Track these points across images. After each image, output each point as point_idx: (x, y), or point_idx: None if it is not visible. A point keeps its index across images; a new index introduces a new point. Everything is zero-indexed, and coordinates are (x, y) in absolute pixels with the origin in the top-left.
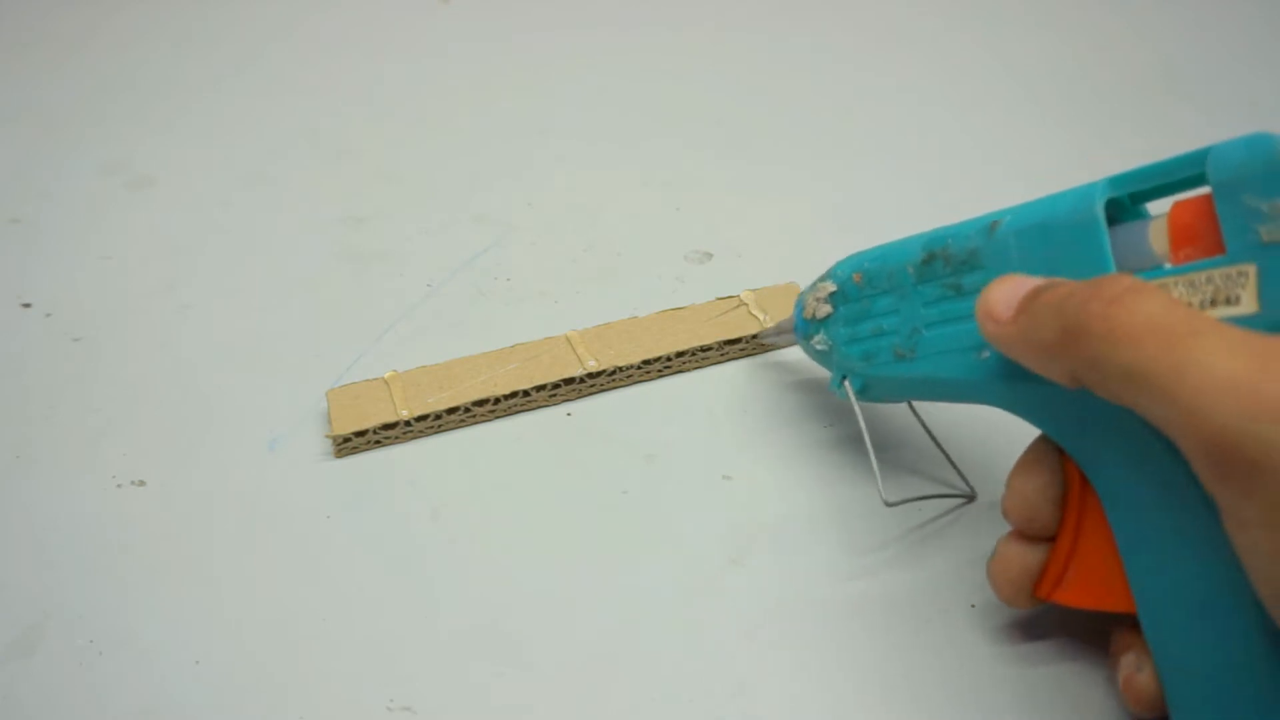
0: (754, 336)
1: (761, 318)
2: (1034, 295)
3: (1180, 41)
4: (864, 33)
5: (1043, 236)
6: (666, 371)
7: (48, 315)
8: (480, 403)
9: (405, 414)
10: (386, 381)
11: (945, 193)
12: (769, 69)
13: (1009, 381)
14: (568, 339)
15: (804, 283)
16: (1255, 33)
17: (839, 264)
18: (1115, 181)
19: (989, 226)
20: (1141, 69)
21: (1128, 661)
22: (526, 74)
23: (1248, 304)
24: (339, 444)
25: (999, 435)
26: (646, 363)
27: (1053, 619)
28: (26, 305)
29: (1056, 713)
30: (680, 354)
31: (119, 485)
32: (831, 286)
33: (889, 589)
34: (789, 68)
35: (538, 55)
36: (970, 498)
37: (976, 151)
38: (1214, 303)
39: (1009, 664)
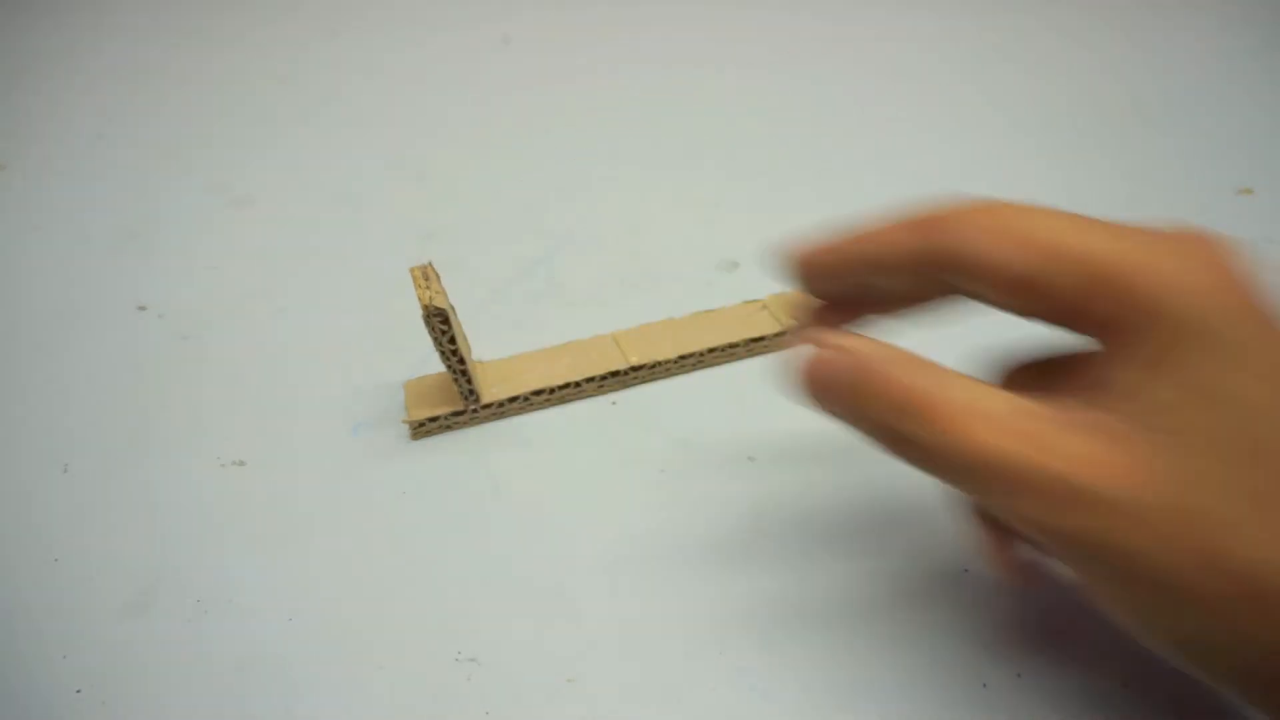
0: (776, 335)
1: (781, 319)
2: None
3: (1146, 75)
4: (869, 71)
5: None
6: (699, 366)
7: (160, 317)
8: (537, 392)
9: (472, 402)
10: None
11: None
12: (788, 103)
13: None
14: (613, 337)
15: None
16: (1216, 70)
17: None
18: None
19: None
20: (1112, 99)
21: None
22: (577, 106)
23: None
24: (414, 428)
25: None
26: (681, 358)
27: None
28: (142, 308)
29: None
30: (711, 350)
31: (221, 465)
32: None
33: (892, 556)
34: (805, 101)
35: (587, 90)
36: None
37: (968, 172)
38: None
39: (1001, 618)
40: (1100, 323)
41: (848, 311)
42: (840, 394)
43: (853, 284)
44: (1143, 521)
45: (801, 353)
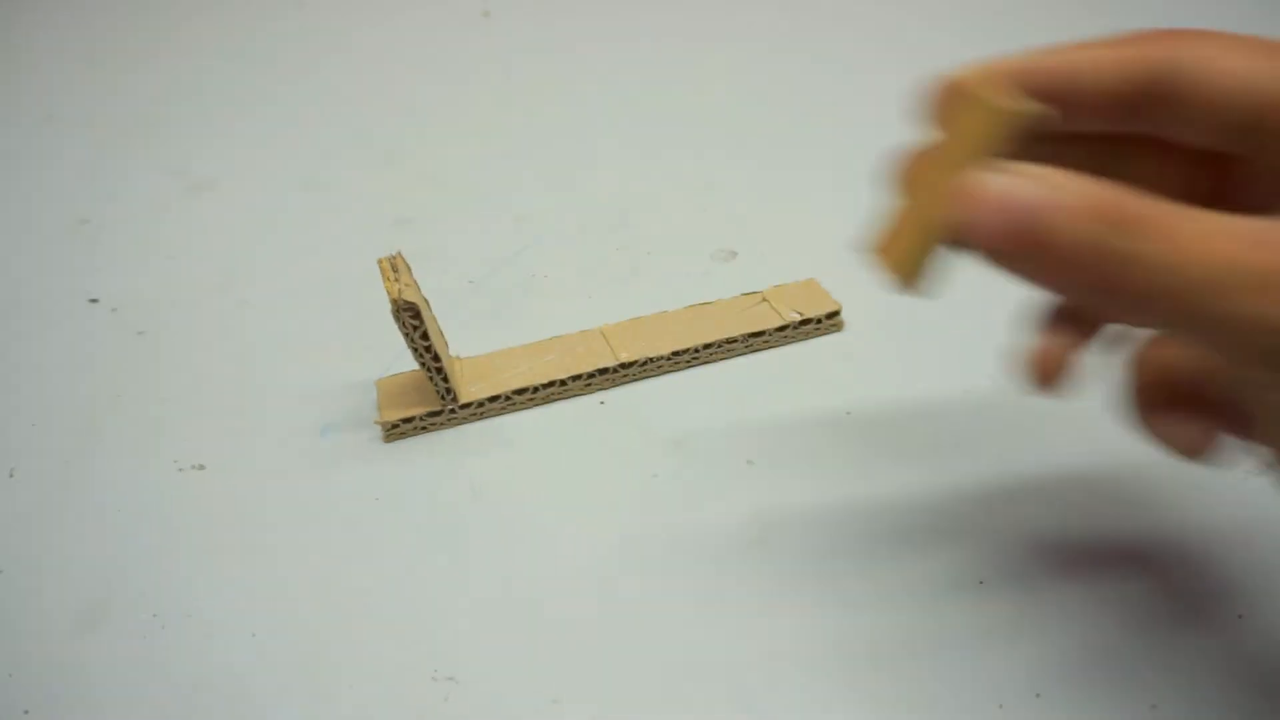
0: (777, 329)
1: (783, 312)
2: None
3: None
4: (878, 49)
5: None
6: (694, 362)
7: (114, 310)
8: (520, 391)
9: (449, 402)
10: None
11: None
12: (790, 81)
13: None
14: (601, 332)
15: (822, 279)
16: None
17: None
18: None
19: None
20: None
21: None
22: (563, 83)
23: None
24: (387, 430)
25: None
26: (675, 354)
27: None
28: (94, 301)
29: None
30: (707, 346)
31: (180, 469)
32: None
33: (902, 568)
34: (809, 79)
35: (573, 66)
36: None
37: None
38: None
39: (1019, 635)
40: None
41: None
42: (1025, 218)
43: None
44: None
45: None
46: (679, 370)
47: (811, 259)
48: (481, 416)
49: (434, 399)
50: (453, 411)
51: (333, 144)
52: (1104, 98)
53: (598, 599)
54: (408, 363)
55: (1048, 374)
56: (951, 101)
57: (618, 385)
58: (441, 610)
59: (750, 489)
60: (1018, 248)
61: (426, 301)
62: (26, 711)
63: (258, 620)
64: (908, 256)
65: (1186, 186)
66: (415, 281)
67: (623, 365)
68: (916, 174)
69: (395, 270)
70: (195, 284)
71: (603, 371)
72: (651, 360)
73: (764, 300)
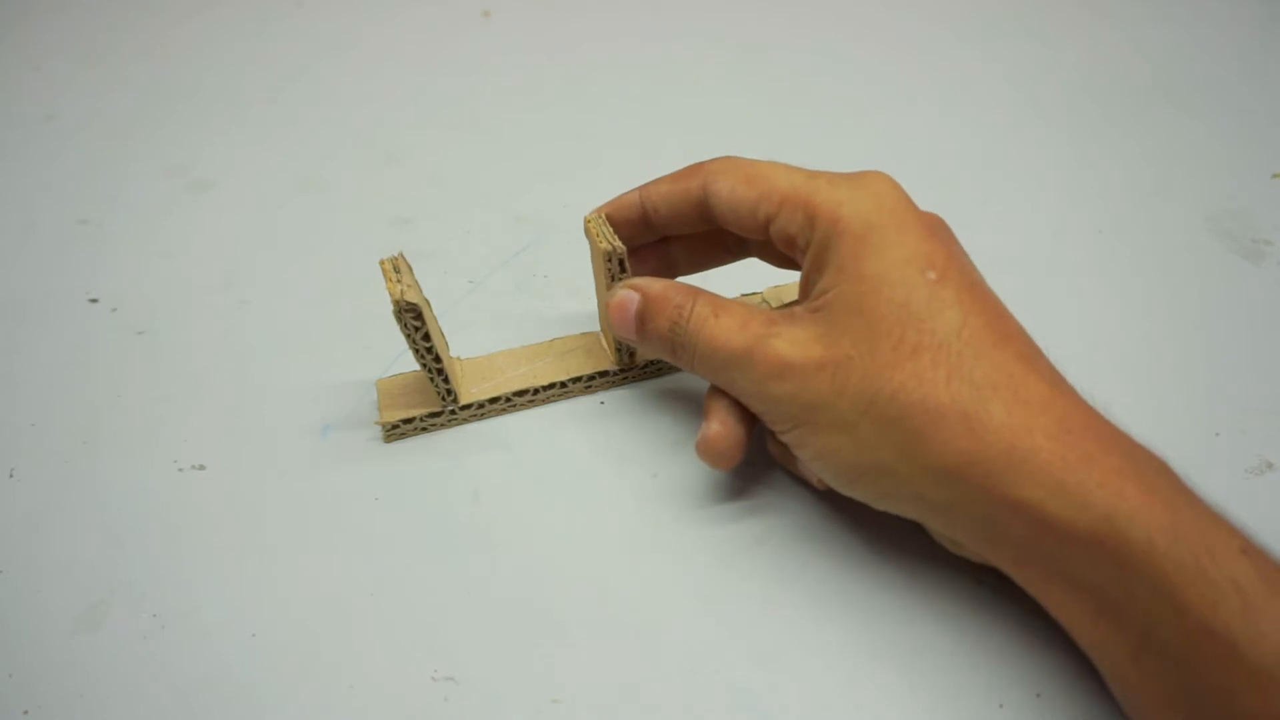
0: None
1: None
2: (640, 325)
3: (1175, 52)
4: (880, 49)
5: None
6: None
7: (113, 310)
8: (520, 393)
9: (450, 402)
10: None
11: (954, 196)
12: (790, 80)
13: None
14: (601, 334)
15: None
16: (1248, 44)
17: None
18: None
19: None
20: (1138, 78)
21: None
22: (563, 84)
23: None
24: (387, 430)
25: None
26: None
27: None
28: (93, 300)
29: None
30: None
31: (180, 469)
32: None
33: (902, 568)
34: (808, 79)
35: (573, 66)
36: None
37: (983, 156)
38: None
39: (1019, 635)
40: (807, 246)
41: (664, 272)
42: (633, 320)
43: (650, 227)
44: (819, 375)
45: (612, 296)
46: (679, 371)
47: None
48: (482, 417)
49: (434, 399)
50: (453, 412)
51: (332, 144)
52: (680, 214)
53: (598, 599)
54: (408, 363)
55: (720, 454)
56: (589, 234)
57: (617, 387)
58: (441, 610)
59: (750, 490)
60: (635, 336)
61: (428, 302)
62: (26, 712)
63: (258, 620)
64: (609, 339)
65: (765, 254)
66: (417, 282)
67: (623, 367)
68: (599, 278)
69: (397, 271)
70: (195, 284)
71: (603, 374)
72: (651, 362)
73: (763, 301)
